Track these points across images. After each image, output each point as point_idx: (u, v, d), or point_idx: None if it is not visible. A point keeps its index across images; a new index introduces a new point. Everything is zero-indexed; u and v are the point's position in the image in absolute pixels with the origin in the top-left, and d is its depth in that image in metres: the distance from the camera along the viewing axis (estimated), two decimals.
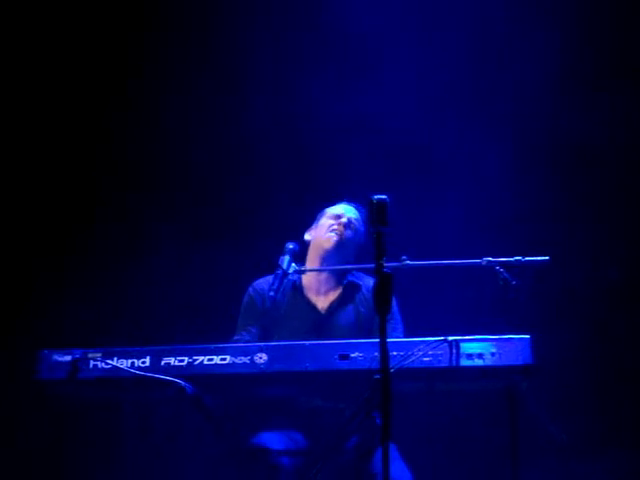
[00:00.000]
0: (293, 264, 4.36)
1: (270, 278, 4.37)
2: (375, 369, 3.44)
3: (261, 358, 3.82)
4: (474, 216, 5.43)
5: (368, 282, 4.52)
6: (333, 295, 4.54)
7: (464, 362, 3.74)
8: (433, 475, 4.56)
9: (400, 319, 4.48)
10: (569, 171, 5.55)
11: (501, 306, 3.96)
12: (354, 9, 5.63)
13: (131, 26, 5.76)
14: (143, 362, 3.84)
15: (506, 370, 3.74)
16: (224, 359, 3.83)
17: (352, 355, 3.79)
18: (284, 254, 4.38)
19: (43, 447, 5.14)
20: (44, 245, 5.67)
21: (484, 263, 4.07)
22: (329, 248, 4.52)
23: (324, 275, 4.56)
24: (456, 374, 3.77)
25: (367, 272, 4.52)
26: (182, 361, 3.84)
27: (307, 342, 3.88)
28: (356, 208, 4.65)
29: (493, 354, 3.74)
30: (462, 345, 3.76)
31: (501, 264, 4.03)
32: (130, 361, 3.84)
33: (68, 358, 3.85)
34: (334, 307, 4.51)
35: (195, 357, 3.84)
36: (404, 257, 4.09)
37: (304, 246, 4.59)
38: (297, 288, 4.55)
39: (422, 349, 3.75)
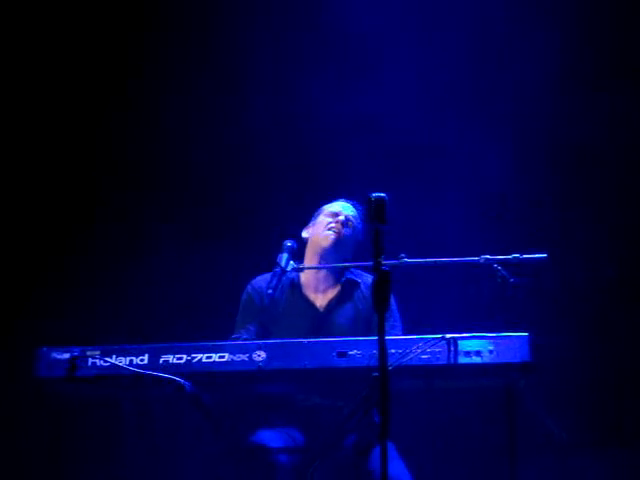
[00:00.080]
0: (291, 262, 4.37)
1: (268, 276, 4.38)
2: (373, 367, 3.43)
3: (259, 356, 3.81)
4: (473, 214, 5.43)
5: (366, 280, 4.51)
6: (331, 293, 4.54)
7: (462, 360, 3.72)
8: (431, 472, 4.56)
9: (399, 317, 4.47)
10: (569, 171, 5.55)
11: (499, 304, 3.96)
12: (354, 9, 5.64)
13: (131, 26, 5.77)
14: (141, 360, 3.82)
15: (504, 368, 3.72)
16: (222, 357, 3.81)
17: (350, 353, 3.77)
18: (282, 252, 4.39)
19: (42, 445, 5.14)
20: (44, 245, 5.68)
21: (482, 261, 4.05)
22: (327, 246, 4.51)
23: (322, 273, 4.55)
24: (454, 372, 3.75)
25: (365, 270, 4.52)
26: (180, 359, 3.82)
27: (305, 340, 3.86)
28: (353, 205, 4.64)
29: (491, 352, 3.72)
30: (460, 343, 3.73)
31: (499, 262, 4.02)
32: (128, 359, 3.83)
33: (66, 356, 3.83)
34: (332, 305, 4.50)
35: (193, 355, 3.82)
36: (402, 255, 4.09)
37: (302, 244, 4.58)
38: (295, 286, 4.54)
39: (420, 347, 3.73)
